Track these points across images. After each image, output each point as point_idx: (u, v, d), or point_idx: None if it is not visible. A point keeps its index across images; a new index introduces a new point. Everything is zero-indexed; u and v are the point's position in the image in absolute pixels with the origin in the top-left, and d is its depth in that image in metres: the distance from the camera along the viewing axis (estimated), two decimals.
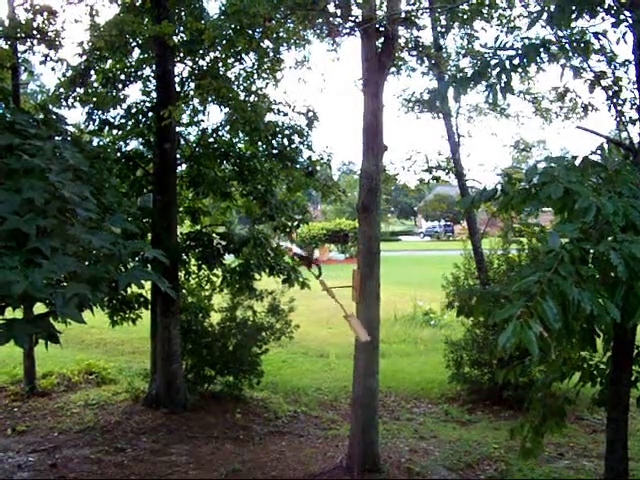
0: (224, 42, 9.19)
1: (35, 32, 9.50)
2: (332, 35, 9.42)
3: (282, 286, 11.33)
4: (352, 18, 8.18)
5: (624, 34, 5.44)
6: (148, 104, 10.99)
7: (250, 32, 8.68)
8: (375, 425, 8.15)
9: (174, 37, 9.69)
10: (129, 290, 9.24)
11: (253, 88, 10.42)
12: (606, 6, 5.43)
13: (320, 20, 8.55)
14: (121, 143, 11.27)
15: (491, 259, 12.40)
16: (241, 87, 10.37)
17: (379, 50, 8.03)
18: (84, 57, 10.25)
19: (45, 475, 8.00)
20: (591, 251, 4.06)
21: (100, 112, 10.75)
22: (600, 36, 5.40)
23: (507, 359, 8.06)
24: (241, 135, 10.93)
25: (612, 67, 5.73)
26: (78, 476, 7.99)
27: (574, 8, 5.22)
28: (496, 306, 5.06)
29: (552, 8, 5.25)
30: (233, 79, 10.42)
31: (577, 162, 4.83)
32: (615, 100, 5.80)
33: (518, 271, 9.51)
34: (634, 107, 5.76)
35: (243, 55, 10.19)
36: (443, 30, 12.55)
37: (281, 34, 9.25)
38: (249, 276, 10.86)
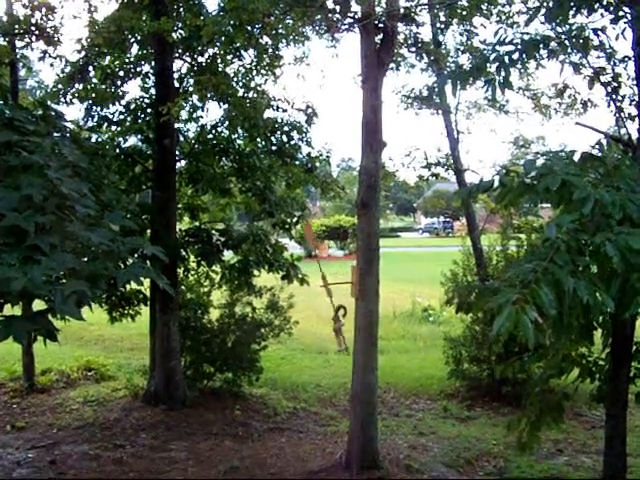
0: (223, 38, 9.17)
1: (33, 28, 9.48)
2: (331, 31, 9.41)
3: (281, 282, 11.32)
4: (351, 14, 8.16)
5: (623, 30, 5.45)
6: (147, 100, 10.97)
7: (249, 28, 8.66)
8: (374, 421, 8.16)
9: (173, 33, 9.68)
10: (128, 287, 9.25)
11: (252, 84, 10.39)
12: (605, 2, 5.43)
13: (319, 16, 8.55)
14: (120, 139, 11.23)
15: (490, 255, 12.40)
16: (240, 83, 10.34)
17: (378, 46, 8.01)
18: (83, 53, 10.22)
19: (44, 471, 8.00)
20: (588, 244, 4.07)
21: (99, 108, 10.71)
22: (599, 32, 5.40)
23: (505, 354, 8.09)
24: (240, 131, 10.90)
25: (611, 63, 5.73)
26: (77, 472, 8.00)
27: (572, 4, 5.23)
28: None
29: (551, 4, 5.25)
30: (232, 75, 10.39)
31: (576, 157, 4.83)
32: (614, 96, 5.80)
33: (515, 266, 9.52)
34: (633, 103, 5.76)
35: (242, 51, 10.17)
36: (442, 26, 12.53)
37: (280, 30, 9.23)
38: (248, 272, 10.86)
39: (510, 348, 8.98)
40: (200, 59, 10.43)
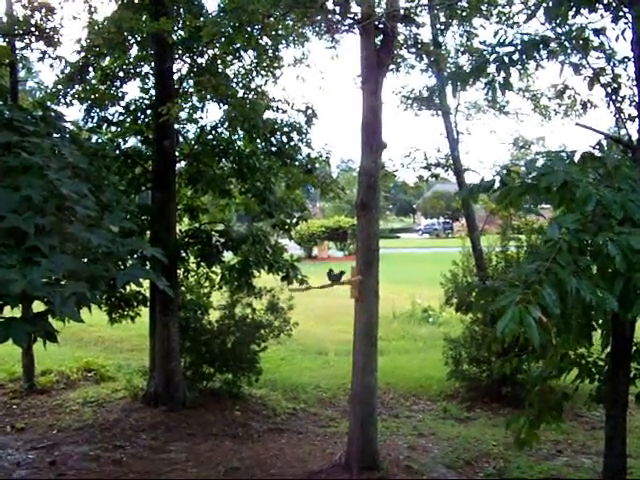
0: (223, 39, 9.18)
1: (33, 29, 9.49)
2: (331, 32, 9.42)
3: (281, 283, 11.32)
4: (351, 15, 8.16)
5: (623, 31, 5.45)
6: (147, 101, 10.96)
7: (249, 29, 8.66)
8: (374, 422, 8.15)
9: (173, 34, 9.68)
10: (128, 288, 9.26)
11: (252, 85, 10.41)
12: (605, 2, 5.44)
13: (319, 17, 8.55)
14: (120, 140, 11.24)
15: (490, 256, 12.40)
16: (240, 84, 10.36)
17: (378, 47, 8.01)
18: (82, 54, 10.23)
19: (44, 472, 7.99)
20: (590, 245, 4.07)
21: (98, 109, 10.71)
22: (599, 33, 5.40)
23: (504, 353, 8.10)
24: (240, 132, 10.91)
25: (611, 64, 5.73)
26: (77, 473, 7.99)
27: (572, 3, 5.23)
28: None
29: (550, 4, 5.26)
30: (232, 76, 10.41)
31: (576, 158, 4.83)
32: (614, 97, 5.80)
33: (517, 267, 9.52)
34: (633, 104, 5.76)
35: (242, 52, 10.18)
36: (442, 27, 12.54)
37: (280, 31, 9.24)
38: (248, 273, 10.85)
39: (509, 348, 8.98)
40: (200, 60, 10.42)
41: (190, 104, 10.69)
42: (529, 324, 3.47)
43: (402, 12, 8.71)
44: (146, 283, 6.56)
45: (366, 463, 7.84)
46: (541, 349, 5.75)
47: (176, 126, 10.71)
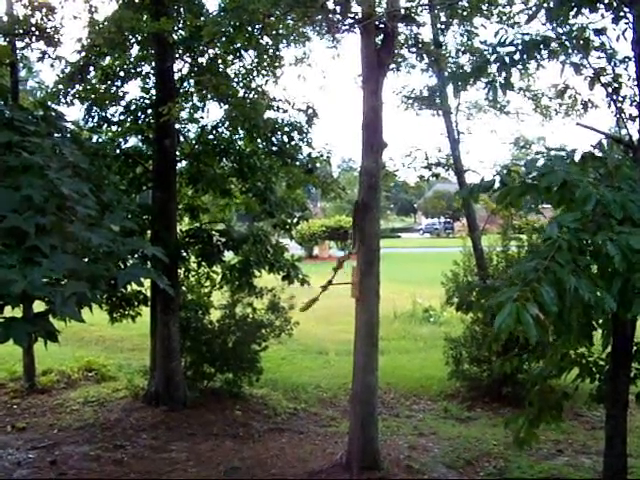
0: (223, 39, 9.18)
1: (34, 28, 9.50)
2: (331, 32, 9.41)
3: (282, 283, 11.32)
4: (352, 15, 8.16)
5: (624, 31, 5.45)
6: (147, 101, 10.96)
7: (249, 29, 8.67)
8: (374, 422, 8.15)
9: (173, 34, 9.68)
10: (129, 287, 9.22)
11: (253, 85, 10.41)
12: (606, 1, 5.44)
13: (319, 17, 8.54)
14: (120, 140, 11.23)
15: (490, 256, 12.41)
16: (240, 84, 10.36)
17: (379, 47, 8.01)
18: (83, 54, 10.22)
19: (45, 472, 7.99)
20: (589, 244, 4.07)
21: (99, 109, 10.71)
22: (600, 33, 5.40)
23: (504, 353, 8.13)
24: (241, 132, 10.92)
25: (612, 64, 5.73)
26: (77, 473, 7.99)
27: (573, 4, 5.23)
28: None
29: (552, 4, 5.26)
30: (232, 76, 10.41)
31: (576, 157, 4.83)
32: (615, 97, 5.80)
33: (516, 266, 9.52)
34: (634, 104, 5.76)
35: (242, 52, 10.18)
36: (443, 27, 12.53)
37: (281, 31, 9.24)
38: (249, 273, 10.86)
39: (509, 347, 8.99)
40: (200, 60, 10.42)
41: (191, 104, 10.69)
42: (526, 321, 3.48)
43: (402, 12, 8.71)
44: (147, 282, 6.57)
45: (367, 463, 7.84)
46: (541, 348, 5.77)
47: (177, 126, 10.70)
